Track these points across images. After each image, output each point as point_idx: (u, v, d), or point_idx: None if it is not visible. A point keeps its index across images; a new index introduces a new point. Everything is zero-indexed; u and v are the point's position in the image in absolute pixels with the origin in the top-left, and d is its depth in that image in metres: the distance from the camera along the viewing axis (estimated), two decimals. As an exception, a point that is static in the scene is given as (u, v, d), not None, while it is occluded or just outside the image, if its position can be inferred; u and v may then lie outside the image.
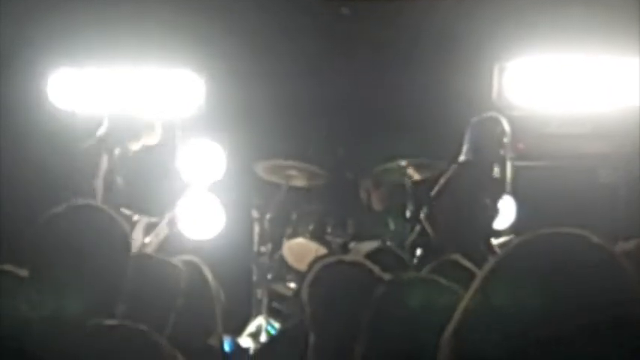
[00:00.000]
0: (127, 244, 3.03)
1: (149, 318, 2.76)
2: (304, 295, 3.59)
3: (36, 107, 8.08)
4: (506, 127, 7.13)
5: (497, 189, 7.22)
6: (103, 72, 8.35)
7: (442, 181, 7.14)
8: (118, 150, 7.29)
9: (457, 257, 4.42)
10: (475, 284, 1.82)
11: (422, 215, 7.21)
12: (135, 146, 7.38)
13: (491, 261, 1.83)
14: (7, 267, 3.13)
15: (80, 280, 2.89)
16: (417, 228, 7.86)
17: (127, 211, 6.91)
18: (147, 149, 7.44)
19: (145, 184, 7.16)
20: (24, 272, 3.14)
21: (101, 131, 7.32)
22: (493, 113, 7.34)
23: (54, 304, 2.86)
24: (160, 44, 8.16)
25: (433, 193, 7.13)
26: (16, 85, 8.08)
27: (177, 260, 3.88)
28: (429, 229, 7.11)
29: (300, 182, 8.23)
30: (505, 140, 7.13)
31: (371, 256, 4.46)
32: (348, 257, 4.63)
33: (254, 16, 8.45)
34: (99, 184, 7.18)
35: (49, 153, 7.54)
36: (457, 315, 1.81)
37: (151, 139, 7.46)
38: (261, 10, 8.46)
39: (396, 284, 2.96)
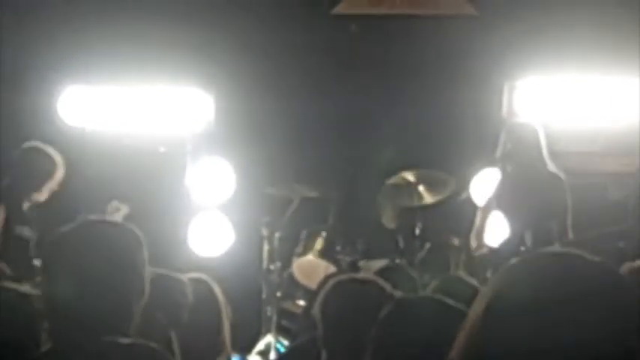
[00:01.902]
0: (143, 260, 2.93)
1: (155, 333, 2.75)
2: (317, 311, 3.58)
3: (47, 124, 8.10)
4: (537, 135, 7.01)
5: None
6: (113, 89, 8.38)
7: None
8: (26, 202, 6.66)
9: (461, 274, 4.42)
10: (479, 306, 1.75)
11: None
12: (40, 196, 6.72)
13: (493, 281, 1.78)
14: (9, 283, 3.12)
15: (92, 297, 2.84)
16: (427, 245, 7.85)
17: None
18: (54, 195, 6.81)
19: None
20: (25, 288, 3.14)
21: (5, 182, 6.68)
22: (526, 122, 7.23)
23: (67, 320, 2.83)
24: (170, 62, 8.19)
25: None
26: (27, 102, 8.10)
27: (183, 276, 3.87)
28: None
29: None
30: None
31: (381, 274, 4.46)
32: (360, 275, 4.63)
33: (263, 34, 8.47)
34: None
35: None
36: (460, 341, 1.76)
37: (54, 184, 6.78)
38: (270, 27, 8.48)
39: (401, 303, 2.96)
